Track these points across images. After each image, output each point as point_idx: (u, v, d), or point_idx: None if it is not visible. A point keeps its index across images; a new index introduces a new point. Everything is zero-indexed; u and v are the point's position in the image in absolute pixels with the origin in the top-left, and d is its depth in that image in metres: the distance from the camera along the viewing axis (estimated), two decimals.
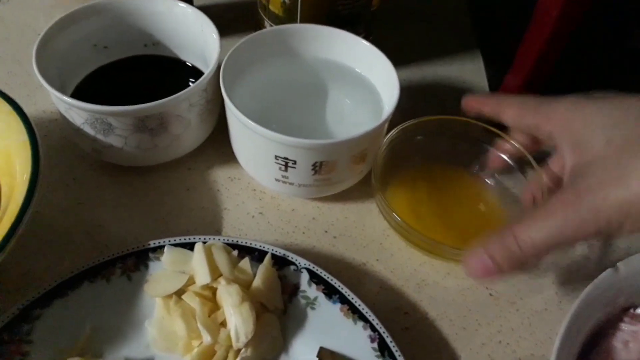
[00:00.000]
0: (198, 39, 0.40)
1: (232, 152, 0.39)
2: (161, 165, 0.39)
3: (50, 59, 0.36)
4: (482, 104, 0.35)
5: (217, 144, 0.41)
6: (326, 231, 0.37)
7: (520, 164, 0.38)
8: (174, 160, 0.39)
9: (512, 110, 0.33)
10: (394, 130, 0.38)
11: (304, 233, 0.37)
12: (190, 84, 0.41)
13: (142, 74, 0.42)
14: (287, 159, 0.34)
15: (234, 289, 0.30)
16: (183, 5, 0.39)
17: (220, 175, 0.40)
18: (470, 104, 0.36)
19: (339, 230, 0.38)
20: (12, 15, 0.52)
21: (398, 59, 0.37)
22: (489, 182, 0.40)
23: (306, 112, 0.40)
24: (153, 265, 0.32)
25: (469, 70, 0.51)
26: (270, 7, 0.44)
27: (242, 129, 0.35)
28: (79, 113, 0.34)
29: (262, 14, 0.46)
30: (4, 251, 0.28)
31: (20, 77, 0.46)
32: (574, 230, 0.25)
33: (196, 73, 0.42)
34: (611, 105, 0.28)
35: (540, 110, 0.31)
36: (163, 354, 0.30)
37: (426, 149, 0.40)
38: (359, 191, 0.39)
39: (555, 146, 0.30)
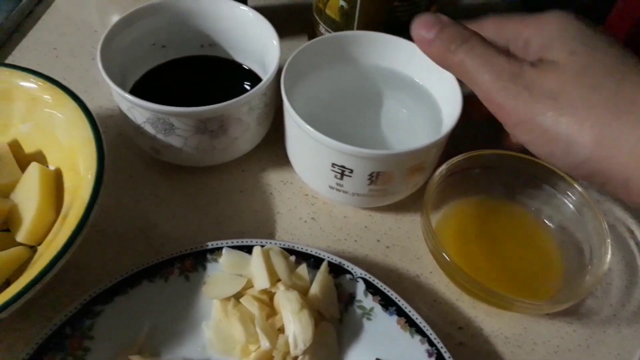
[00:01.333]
0: (256, 42, 0.40)
1: (285, 155, 0.39)
2: (216, 166, 0.39)
3: (113, 57, 0.36)
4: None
5: (271, 146, 0.41)
6: (378, 240, 0.37)
7: (581, 208, 0.36)
8: (229, 161, 0.39)
9: (493, 23, 0.31)
10: (448, 162, 0.36)
11: (356, 241, 0.37)
12: (246, 86, 0.41)
13: (198, 74, 0.42)
14: (344, 167, 0.34)
15: (294, 295, 0.29)
16: (245, 8, 0.39)
17: (273, 179, 0.40)
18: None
19: (391, 240, 0.37)
20: (69, 10, 0.52)
21: None
22: (548, 224, 0.38)
23: (361, 121, 0.39)
24: (211, 267, 0.33)
25: None
26: (327, 11, 0.44)
27: (299, 134, 0.35)
28: (141, 112, 0.34)
29: (317, 18, 0.46)
30: (71, 248, 0.28)
31: (78, 72, 0.46)
32: (494, 96, 0.27)
33: (251, 75, 0.42)
34: (584, 27, 0.27)
35: (522, 19, 0.30)
36: (219, 356, 0.30)
37: (483, 183, 0.38)
38: (412, 201, 0.38)
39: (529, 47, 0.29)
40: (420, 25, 0.29)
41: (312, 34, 0.47)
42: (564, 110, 0.25)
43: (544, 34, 0.27)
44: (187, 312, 0.31)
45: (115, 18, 0.52)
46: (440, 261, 0.34)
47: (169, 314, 0.31)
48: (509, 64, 0.27)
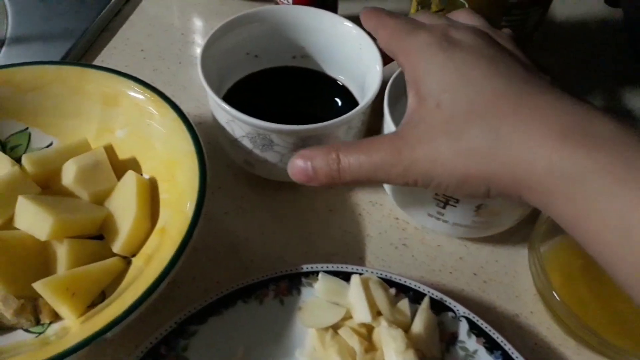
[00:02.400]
0: (354, 59, 0.38)
1: None
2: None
3: (211, 64, 0.36)
4: (369, 18, 0.33)
5: None
6: (475, 274, 0.35)
7: None
8: None
9: (386, 32, 0.31)
10: None
11: (451, 273, 0.35)
12: (337, 100, 0.40)
13: (290, 85, 0.41)
14: (450, 197, 0.32)
15: (399, 333, 0.28)
16: (349, 25, 0.37)
17: (362, 199, 0.39)
18: (367, 14, 0.33)
19: (488, 275, 0.35)
20: (155, 11, 0.52)
21: None
22: None
23: None
24: (305, 291, 0.31)
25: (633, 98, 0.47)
26: None
27: None
28: (241, 126, 0.33)
29: None
30: (176, 266, 0.27)
31: (165, 75, 0.46)
32: (387, 176, 0.27)
33: (341, 89, 0.40)
34: (459, 62, 0.26)
35: (404, 40, 0.29)
36: None
37: None
38: (511, 233, 0.36)
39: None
40: (294, 172, 0.29)
41: None
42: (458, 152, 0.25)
43: (412, 74, 0.28)
44: (280, 338, 0.30)
45: (197, 22, 0.52)
46: (548, 302, 0.32)
47: (263, 338, 0.30)
48: (388, 150, 0.27)
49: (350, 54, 0.38)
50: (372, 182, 0.28)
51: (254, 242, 0.36)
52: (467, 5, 0.38)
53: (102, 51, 0.48)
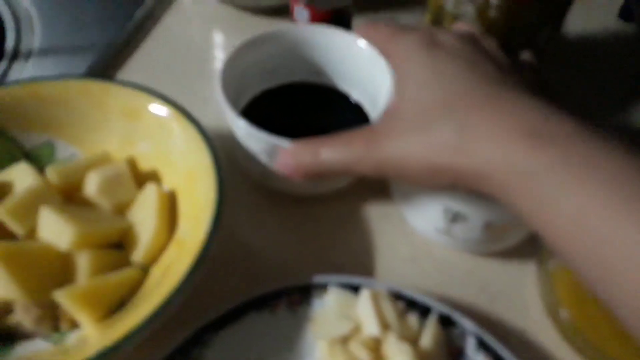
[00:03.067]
0: (366, 77, 0.39)
1: (384, 186, 0.39)
2: (316, 195, 0.39)
3: (229, 82, 0.37)
4: (366, 27, 0.36)
5: (370, 180, 0.40)
6: (483, 288, 0.36)
7: None
8: (331, 192, 0.39)
9: (380, 36, 0.34)
10: None
11: (459, 287, 0.36)
12: (349, 115, 0.41)
13: (304, 100, 0.42)
14: (458, 213, 0.33)
15: (406, 348, 0.28)
16: (362, 46, 0.38)
17: (373, 212, 0.39)
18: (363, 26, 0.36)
19: (497, 289, 0.36)
20: (176, 27, 0.54)
21: (566, 101, 0.35)
22: None
23: None
24: (316, 303, 0.32)
25: None
26: None
27: None
28: (257, 142, 0.34)
29: None
30: (194, 276, 0.28)
31: (185, 89, 0.47)
32: (361, 168, 0.29)
33: (353, 105, 0.41)
34: (438, 61, 0.29)
35: (393, 41, 0.32)
36: None
37: None
38: (520, 249, 0.37)
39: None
40: (279, 165, 0.32)
41: None
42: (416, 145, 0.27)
43: (396, 68, 0.31)
44: (292, 348, 0.31)
45: (217, 37, 0.53)
46: (557, 319, 0.32)
47: (275, 348, 0.31)
48: (362, 144, 0.29)
49: (363, 71, 0.39)
50: (350, 174, 0.30)
51: (267, 253, 0.37)
52: (479, 24, 0.39)
53: (125, 64, 0.50)
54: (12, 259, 0.29)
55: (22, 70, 0.48)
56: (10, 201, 0.32)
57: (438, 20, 0.42)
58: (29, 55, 0.49)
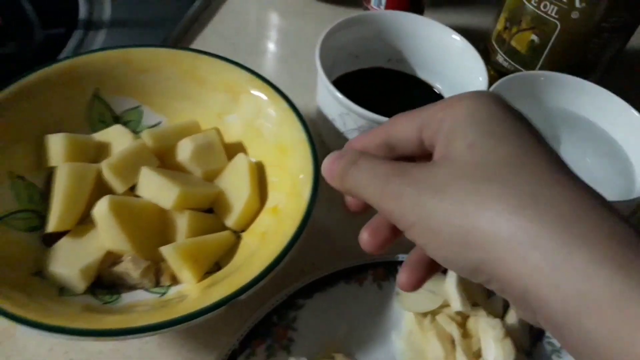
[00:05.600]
0: (452, 66, 0.40)
1: None
2: None
3: (323, 60, 0.38)
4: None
5: None
6: None
7: None
8: None
9: (402, 117, 0.26)
10: None
11: None
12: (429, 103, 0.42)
13: (385, 86, 0.43)
14: None
15: (497, 322, 0.30)
16: (457, 37, 0.39)
17: None
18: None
19: None
20: (242, 9, 0.55)
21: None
22: None
23: None
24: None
25: None
26: (513, 42, 0.44)
27: None
28: (355, 119, 0.35)
29: (497, 46, 0.47)
30: (299, 239, 0.29)
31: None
32: (382, 204, 0.23)
33: (436, 95, 0.43)
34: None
35: (439, 102, 0.25)
36: None
37: None
38: None
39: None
40: (326, 165, 0.27)
41: (487, 59, 0.48)
42: (453, 207, 0.21)
43: (454, 118, 0.23)
44: (378, 319, 0.33)
45: (282, 21, 0.55)
46: None
47: (362, 319, 0.32)
48: (392, 168, 0.24)
49: (450, 62, 0.40)
50: (365, 196, 0.24)
51: (346, 230, 0.38)
52: (559, 25, 0.41)
53: (194, 41, 0.51)
54: (123, 213, 0.31)
55: (94, 40, 0.49)
56: (112, 159, 0.33)
57: (514, 20, 0.44)
58: (100, 26, 0.50)
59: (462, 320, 0.32)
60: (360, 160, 0.25)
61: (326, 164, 0.27)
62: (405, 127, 0.26)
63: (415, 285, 0.26)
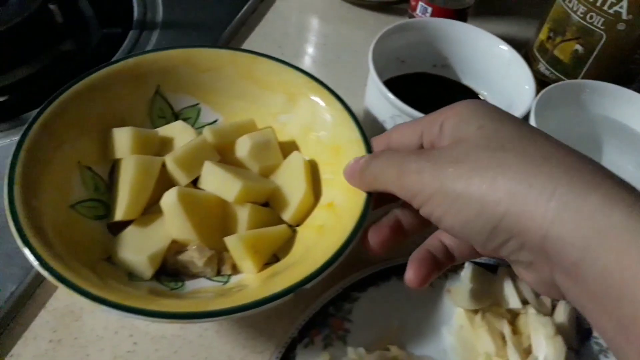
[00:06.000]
0: (498, 73, 0.41)
1: None
2: None
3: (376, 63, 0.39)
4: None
5: None
6: None
7: None
8: None
9: (402, 126, 0.31)
10: None
11: None
12: None
13: (430, 91, 0.44)
14: None
15: (548, 320, 0.31)
16: (505, 48, 0.41)
17: None
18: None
19: None
20: (289, 13, 0.57)
21: None
22: None
23: None
24: (451, 276, 0.35)
25: None
26: (556, 52, 0.46)
27: None
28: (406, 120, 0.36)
29: (539, 55, 0.48)
30: (358, 233, 0.30)
31: None
32: (401, 181, 0.26)
33: (476, 98, 0.44)
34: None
35: (439, 110, 0.29)
36: None
37: None
38: None
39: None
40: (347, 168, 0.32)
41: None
42: (473, 171, 0.23)
43: (457, 116, 0.27)
44: (429, 314, 0.34)
45: (326, 26, 0.56)
46: None
47: (414, 313, 0.34)
48: (408, 152, 0.27)
49: (496, 70, 0.41)
50: (384, 180, 0.28)
51: None
52: (604, 36, 0.42)
53: (242, 44, 0.53)
54: (190, 204, 0.32)
55: (148, 40, 0.51)
56: (177, 153, 0.35)
57: (558, 30, 0.45)
58: (154, 27, 0.52)
59: (511, 318, 0.33)
60: (379, 154, 0.29)
61: (347, 167, 0.31)
62: (406, 133, 0.30)
63: (422, 282, 0.29)
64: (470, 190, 0.23)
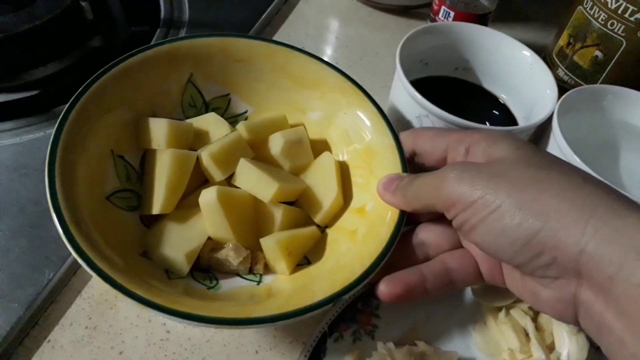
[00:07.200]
0: (519, 78, 0.43)
1: None
2: None
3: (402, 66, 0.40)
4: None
5: None
6: None
7: None
8: None
9: (429, 133, 0.33)
10: None
11: None
12: (494, 112, 0.44)
13: (452, 94, 0.45)
14: None
15: None
16: (527, 53, 0.42)
17: None
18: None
19: None
20: (311, 16, 0.58)
21: None
22: None
23: (599, 174, 0.41)
24: None
25: None
26: (575, 57, 0.47)
27: None
28: (434, 122, 0.37)
29: (558, 60, 0.49)
30: (396, 240, 0.30)
31: None
32: (444, 197, 0.27)
33: (497, 103, 0.45)
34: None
35: (464, 130, 0.31)
36: (484, 357, 0.33)
37: None
38: None
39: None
40: (382, 183, 0.33)
41: None
42: (516, 185, 0.25)
43: (486, 140, 0.28)
44: (455, 311, 0.35)
45: (348, 28, 0.57)
46: None
47: (440, 310, 0.35)
48: (448, 166, 0.28)
49: (518, 75, 0.42)
50: (425, 195, 0.29)
51: None
52: (625, 43, 0.43)
53: None
54: (228, 203, 0.32)
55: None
56: (213, 148, 0.35)
57: (579, 36, 0.46)
58: (180, 25, 0.53)
59: (534, 315, 0.34)
60: (421, 174, 0.30)
61: (382, 183, 0.32)
62: (432, 143, 0.32)
63: (391, 298, 0.29)
64: (513, 202, 0.24)
